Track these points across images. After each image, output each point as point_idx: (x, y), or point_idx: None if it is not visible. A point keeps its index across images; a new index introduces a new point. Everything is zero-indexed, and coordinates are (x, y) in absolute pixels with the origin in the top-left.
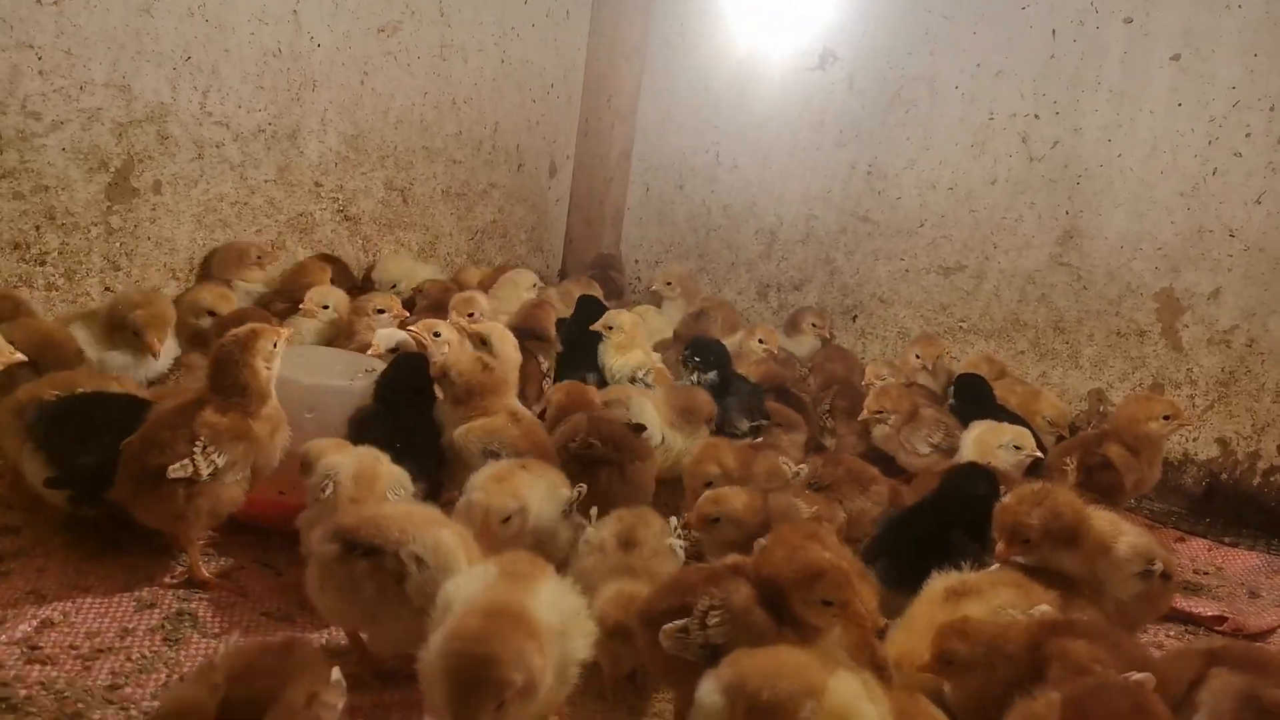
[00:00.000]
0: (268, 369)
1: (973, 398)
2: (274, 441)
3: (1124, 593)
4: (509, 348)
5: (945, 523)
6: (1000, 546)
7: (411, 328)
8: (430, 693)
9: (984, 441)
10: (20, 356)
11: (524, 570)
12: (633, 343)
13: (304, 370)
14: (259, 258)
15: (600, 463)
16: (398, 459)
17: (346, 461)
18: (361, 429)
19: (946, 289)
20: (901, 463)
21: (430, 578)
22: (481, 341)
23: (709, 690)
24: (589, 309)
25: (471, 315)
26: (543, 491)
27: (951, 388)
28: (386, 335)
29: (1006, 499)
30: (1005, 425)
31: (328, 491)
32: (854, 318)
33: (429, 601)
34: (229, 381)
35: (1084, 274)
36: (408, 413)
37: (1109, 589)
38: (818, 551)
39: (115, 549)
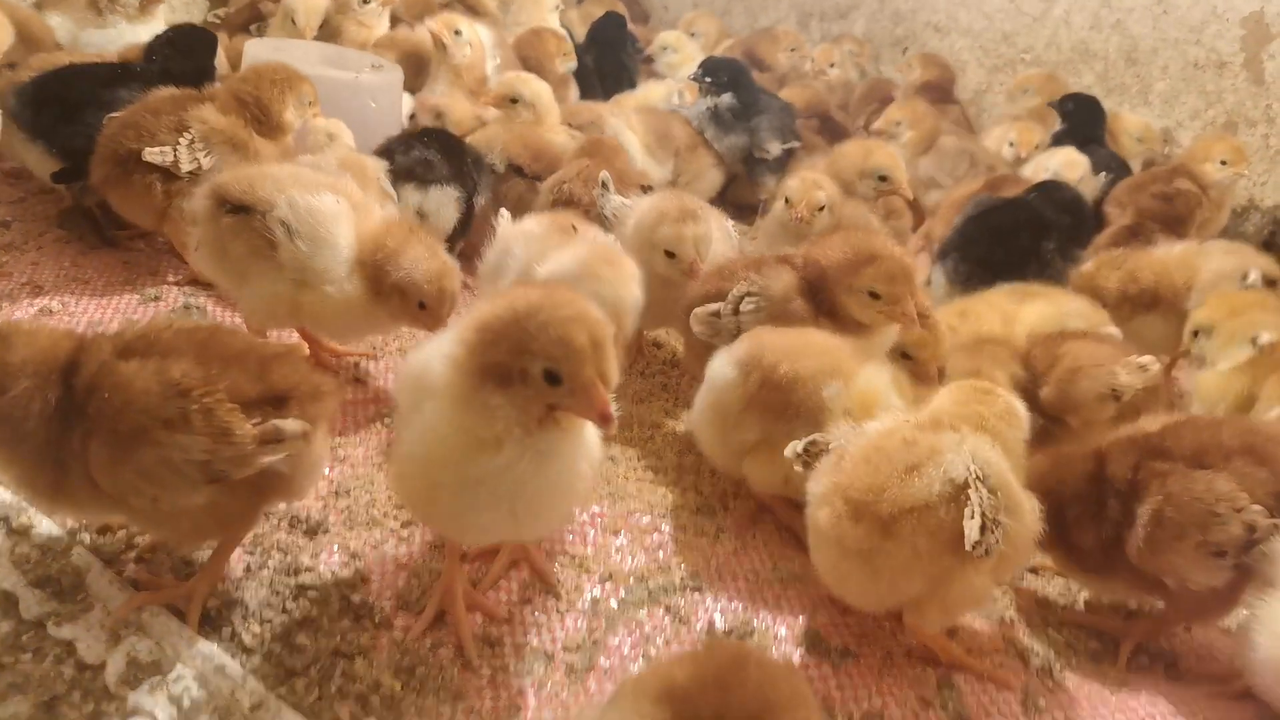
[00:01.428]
0: (291, 115)
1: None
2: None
3: None
4: (537, 86)
5: (1037, 229)
6: None
7: (430, 23)
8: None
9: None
10: None
11: None
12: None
13: (307, 63)
14: None
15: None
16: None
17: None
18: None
19: (1010, 14)
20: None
21: (301, 244)
22: (512, 101)
23: (721, 363)
24: (609, 28)
25: (459, 33)
26: None
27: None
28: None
29: (1085, 266)
30: (1078, 160)
31: None
32: (904, 49)
33: (304, 274)
34: (254, 97)
35: None
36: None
37: None
38: (880, 241)
39: (112, 246)
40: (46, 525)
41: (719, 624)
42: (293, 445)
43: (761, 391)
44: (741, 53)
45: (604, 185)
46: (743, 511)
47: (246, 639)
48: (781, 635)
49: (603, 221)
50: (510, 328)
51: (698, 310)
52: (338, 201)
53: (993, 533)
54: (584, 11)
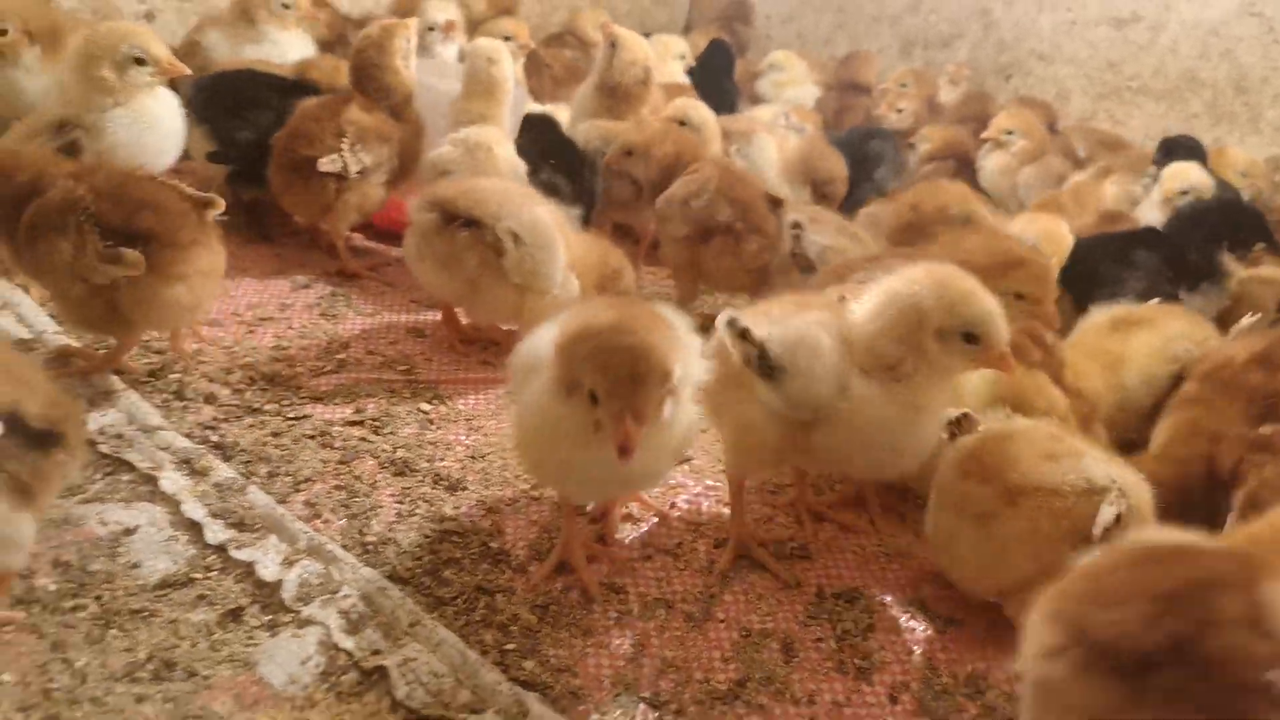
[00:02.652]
0: (406, 67)
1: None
2: (416, 145)
3: None
4: (705, 111)
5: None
6: None
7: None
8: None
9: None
10: (185, 69)
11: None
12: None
13: (438, 76)
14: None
15: (718, 231)
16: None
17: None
18: None
19: (1117, 43)
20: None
21: (527, 254)
22: (680, 124)
23: None
24: (717, 54)
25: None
26: None
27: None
28: None
29: None
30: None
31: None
32: (1008, 77)
33: (527, 277)
34: (373, 86)
35: (1277, 25)
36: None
37: None
38: (1018, 244)
39: (266, 240)
40: (223, 469)
41: (827, 589)
42: (127, 268)
43: None
44: (840, 77)
45: (797, 225)
46: (846, 493)
47: (401, 571)
48: (888, 601)
49: (803, 263)
50: (572, 344)
51: None
52: (550, 211)
53: (1122, 536)
54: (691, 43)
